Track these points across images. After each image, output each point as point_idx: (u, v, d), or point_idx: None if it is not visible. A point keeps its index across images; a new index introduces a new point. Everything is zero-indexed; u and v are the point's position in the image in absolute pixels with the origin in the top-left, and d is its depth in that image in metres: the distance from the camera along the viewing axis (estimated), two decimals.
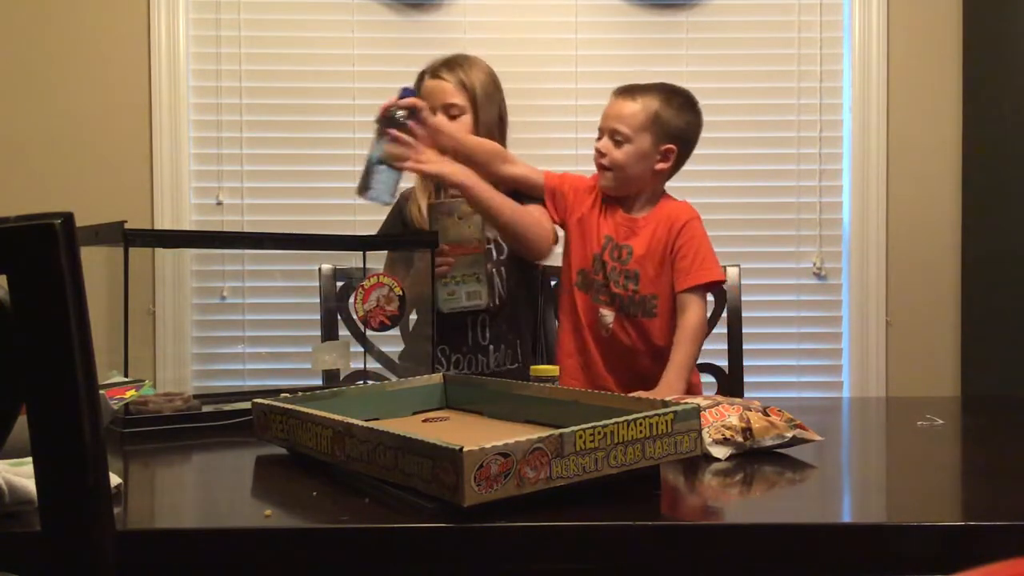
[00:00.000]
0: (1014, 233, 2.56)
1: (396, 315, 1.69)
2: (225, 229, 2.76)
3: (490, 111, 2.13)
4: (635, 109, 1.93)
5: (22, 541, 0.90)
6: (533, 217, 2.01)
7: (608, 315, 1.95)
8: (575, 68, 2.85)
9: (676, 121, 1.94)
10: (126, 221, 1.52)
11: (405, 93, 1.88)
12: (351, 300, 1.85)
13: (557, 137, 2.85)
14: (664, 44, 2.86)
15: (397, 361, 2.20)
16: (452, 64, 2.12)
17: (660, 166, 1.95)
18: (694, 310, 1.90)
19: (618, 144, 1.93)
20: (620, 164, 1.94)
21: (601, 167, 1.97)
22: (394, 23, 2.84)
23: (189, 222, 2.78)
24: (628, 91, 1.97)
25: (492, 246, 2.06)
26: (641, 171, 1.95)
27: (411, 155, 1.84)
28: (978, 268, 2.77)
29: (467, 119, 2.09)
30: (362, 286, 1.66)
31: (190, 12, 2.80)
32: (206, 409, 1.56)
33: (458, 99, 2.09)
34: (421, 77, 2.13)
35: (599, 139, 1.98)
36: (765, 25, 2.87)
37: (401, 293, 1.70)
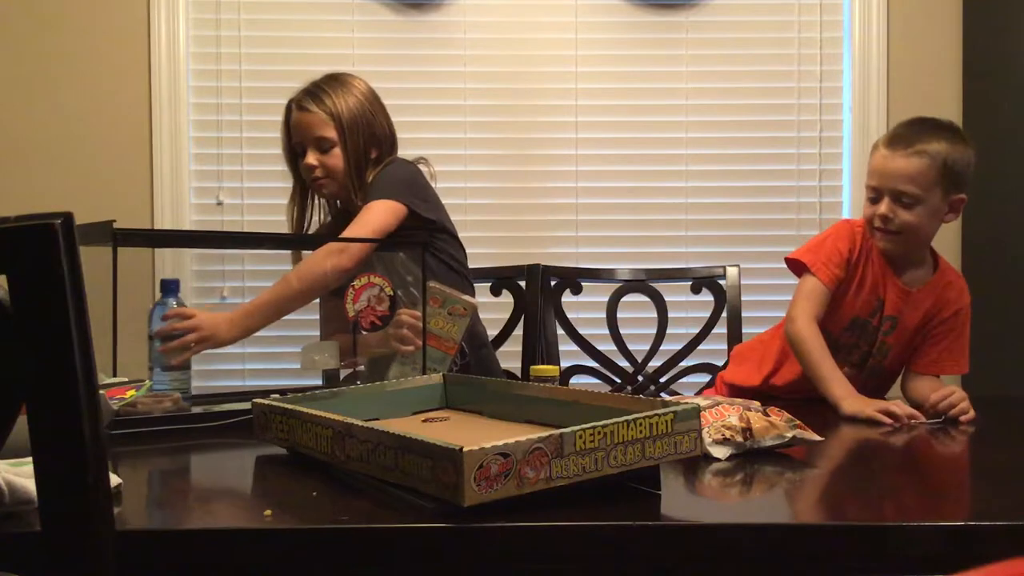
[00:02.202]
0: (1014, 233, 2.56)
1: (387, 315, 1.68)
2: (225, 229, 2.76)
3: (358, 137, 2.01)
4: (923, 164, 1.70)
5: (22, 541, 0.89)
6: (308, 277, 1.85)
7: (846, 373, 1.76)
8: (575, 68, 2.85)
9: (964, 165, 1.73)
10: (115, 220, 1.51)
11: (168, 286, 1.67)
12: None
13: (557, 137, 2.85)
14: (664, 44, 2.86)
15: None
16: (316, 93, 2.02)
17: (949, 218, 1.78)
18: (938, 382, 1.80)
19: (907, 206, 1.73)
20: (913, 227, 1.74)
21: (886, 232, 1.76)
22: (394, 23, 2.84)
23: (189, 222, 2.78)
24: (907, 142, 1.73)
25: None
26: (932, 229, 1.78)
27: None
28: (978, 267, 2.77)
29: (338, 151, 2.01)
30: (352, 286, 1.66)
31: (190, 12, 2.80)
32: (196, 410, 1.56)
33: (327, 131, 2.00)
34: (289, 108, 2.05)
35: (874, 200, 1.77)
36: (765, 25, 2.87)
37: (392, 293, 1.69)
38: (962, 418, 1.60)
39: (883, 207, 1.74)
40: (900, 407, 1.59)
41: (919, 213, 1.73)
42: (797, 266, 1.86)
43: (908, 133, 1.76)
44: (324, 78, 2.06)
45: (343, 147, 2.00)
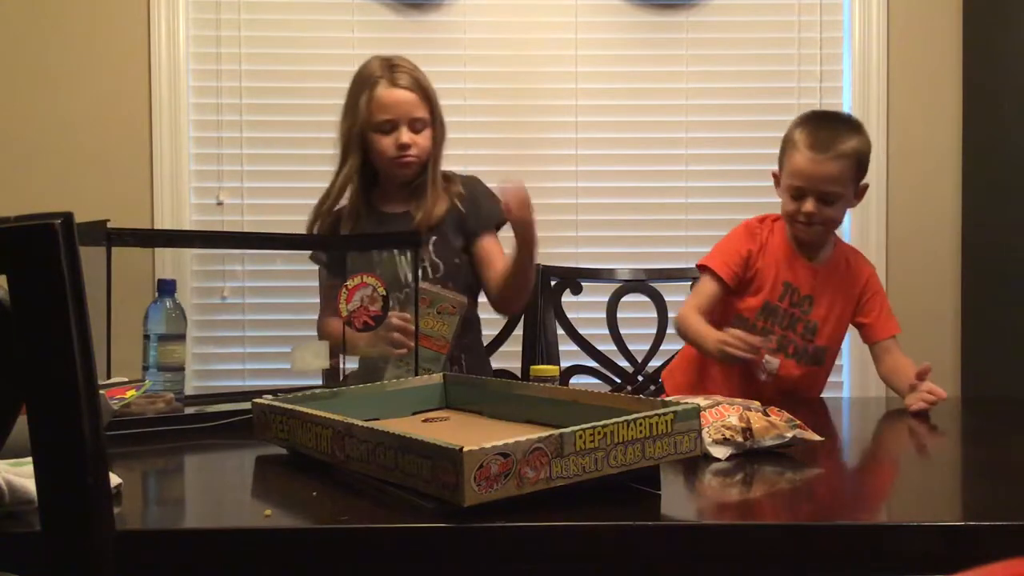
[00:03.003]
0: (1014, 233, 2.56)
1: (379, 315, 1.68)
2: (225, 229, 2.76)
3: (442, 122, 2.05)
4: (844, 166, 1.85)
5: (22, 541, 0.90)
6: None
7: (772, 361, 1.85)
8: (575, 68, 2.85)
9: (867, 153, 1.90)
10: (109, 220, 1.51)
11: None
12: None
13: (557, 137, 2.85)
14: (664, 44, 2.86)
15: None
16: (405, 71, 1.99)
17: (855, 203, 1.94)
18: (904, 358, 1.91)
19: (830, 203, 1.87)
20: (835, 220, 1.92)
21: (811, 225, 1.90)
22: (394, 23, 2.83)
23: (189, 222, 2.78)
24: (827, 146, 1.85)
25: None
26: (843, 216, 1.95)
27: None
28: (978, 268, 2.77)
29: (428, 132, 2.01)
30: (345, 286, 1.66)
31: (190, 12, 2.79)
32: (189, 411, 1.56)
33: (421, 111, 1.99)
34: (374, 83, 1.98)
35: (796, 197, 1.89)
36: (765, 25, 2.87)
37: (384, 293, 1.69)
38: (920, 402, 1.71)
39: (809, 205, 1.87)
40: (738, 338, 1.75)
41: (839, 208, 1.90)
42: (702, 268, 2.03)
43: (827, 136, 1.87)
44: (396, 57, 2.03)
45: (433, 128, 2.01)
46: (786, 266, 1.96)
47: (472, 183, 2.15)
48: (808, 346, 1.94)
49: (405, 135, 1.97)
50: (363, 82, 2.01)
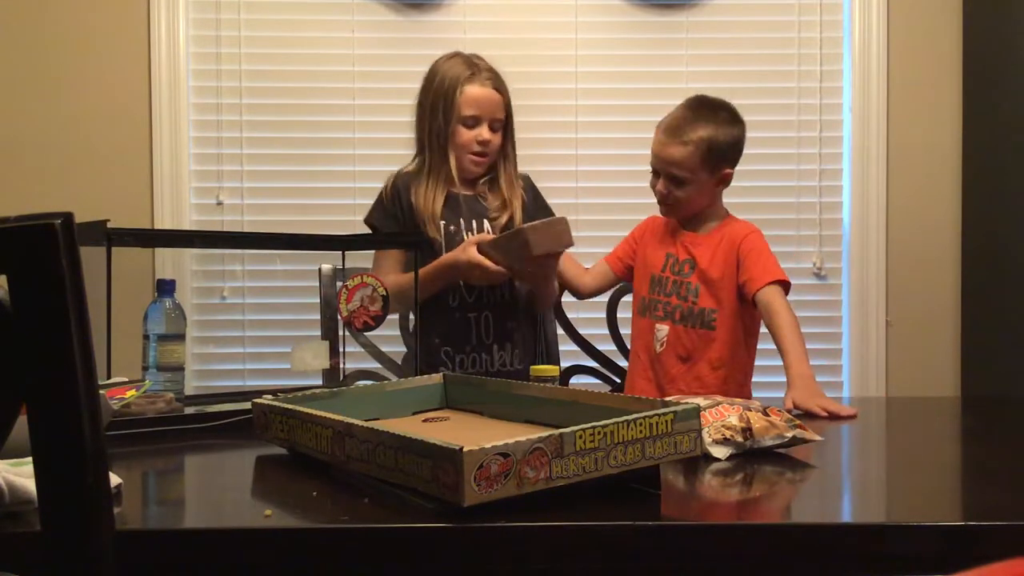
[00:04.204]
0: (1014, 233, 2.56)
1: (380, 315, 1.68)
2: (225, 229, 2.76)
3: (513, 128, 2.15)
4: (688, 152, 1.96)
5: (22, 541, 0.89)
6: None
7: (662, 329, 2.02)
8: (575, 68, 2.85)
9: (727, 142, 1.99)
10: (108, 220, 1.51)
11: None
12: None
13: (557, 137, 2.85)
14: (664, 44, 2.86)
15: (400, 364, 2.19)
16: (486, 68, 2.07)
17: (719, 188, 2.05)
18: (780, 303, 1.92)
19: (679, 185, 1.99)
20: (684, 201, 2.02)
21: (665, 204, 2.05)
22: (394, 23, 2.84)
23: (189, 222, 2.78)
24: (676, 132, 1.98)
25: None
26: (704, 198, 2.04)
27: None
28: (978, 268, 2.77)
29: (501, 133, 2.10)
30: (345, 286, 1.65)
31: (190, 12, 2.79)
32: (189, 411, 1.56)
33: (501, 113, 2.09)
34: (458, 78, 2.04)
35: (655, 177, 2.03)
36: (765, 25, 2.87)
37: (385, 293, 1.69)
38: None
39: (660, 185, 2.02)
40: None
41: (688, 191, 2.00)
42: None
43: (680, 122, 1.99)
44: (475, 56, 2.11)
45: (504, 133, 2.11)
46: (670, 240, 2.09)
47: (528, 180, 2.24)
48: (693, 307, 2.00)
49: (486, 132, 2.06)
50: (451, 77, 2.07)
